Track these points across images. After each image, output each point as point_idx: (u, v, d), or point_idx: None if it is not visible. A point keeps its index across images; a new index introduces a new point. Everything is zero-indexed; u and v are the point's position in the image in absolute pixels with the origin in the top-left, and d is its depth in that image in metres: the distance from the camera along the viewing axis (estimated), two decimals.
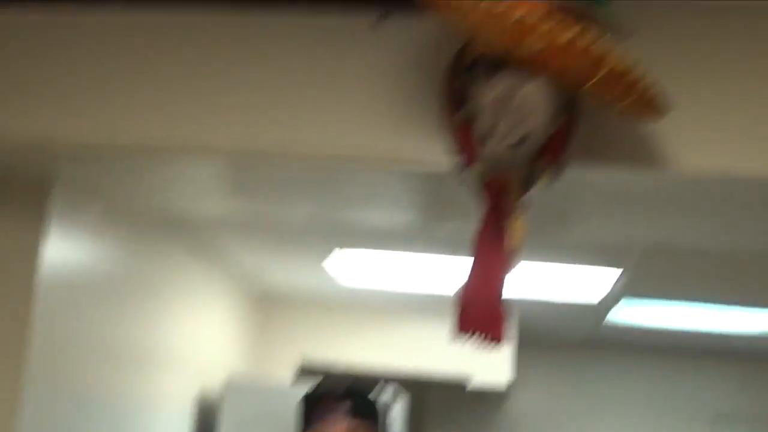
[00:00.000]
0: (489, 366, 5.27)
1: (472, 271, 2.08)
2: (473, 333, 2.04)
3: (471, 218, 2.19)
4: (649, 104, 2.01)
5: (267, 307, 5.48)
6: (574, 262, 4.06)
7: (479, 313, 2.01)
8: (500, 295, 2.03)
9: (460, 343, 2.08)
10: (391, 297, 5.15)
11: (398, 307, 5.40)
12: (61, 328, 2.99)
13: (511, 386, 5.45)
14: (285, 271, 4.90)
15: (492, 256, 2.05)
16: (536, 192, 2.14)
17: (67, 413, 3.07)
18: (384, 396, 2.22)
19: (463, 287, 2.07)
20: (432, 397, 6.35)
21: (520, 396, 6.16)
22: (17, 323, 2.79)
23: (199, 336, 4.44)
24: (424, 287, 4.77)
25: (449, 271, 4.33)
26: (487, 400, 6.16)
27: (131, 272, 3.57)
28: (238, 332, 5.06)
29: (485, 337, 2.04)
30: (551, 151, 2.11)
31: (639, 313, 5.13)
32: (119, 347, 3.48)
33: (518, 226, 2.08)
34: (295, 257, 4.50)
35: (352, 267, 4.48)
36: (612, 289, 4.43)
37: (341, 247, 4.18)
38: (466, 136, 2.12)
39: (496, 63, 1.99)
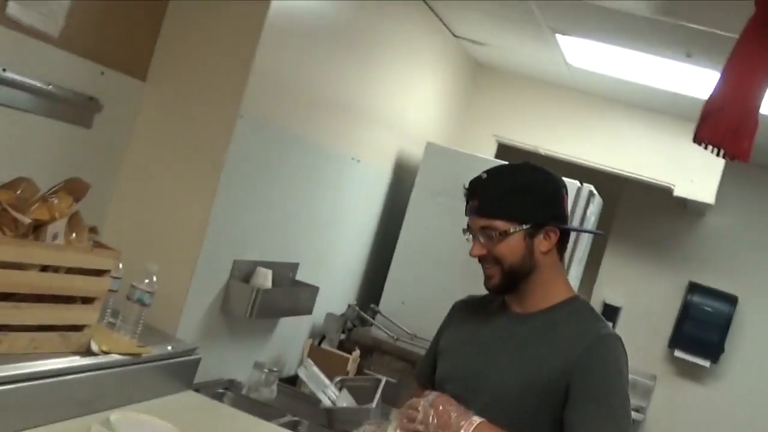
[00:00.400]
0: (695, 177, 5.06)
1: (728, 74, 1.89)
2: (715, 142, 1.89)
3: (720, 21, 1.98)
4: None
5: (478, 80, 5.39)
6: None
7: (729, 122, 1.83)
8: (756, 107, 1.85)
9: (701, 150, 1.93)
10: (611, 87, 4.92)
11: (616, 100, 5.18)
12: (280, 68, 3.06)
13: (714, 201, 5.22)
14: (501, 48, 4.76)
15: (755, 62, 1.85)
16: None
17: (275, 146, 3.17)
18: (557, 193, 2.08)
19: (714, 91, 1.89)
20: (630, 199, 6.21)
21: (719, 212, 5.91)
22: (241, 57, 2.85)
23: (411, 98, 4.44)
24: (649, 84, 4.52)
25: (679, 74, 4.09)
26: (687, 211, 5.96)
27: (354, 26, 3.55)
28: (447, 101, 5.02)
29: (728, 149, 1.88)
30: None
31: None
32: (332, 96, 3.54)
33: None
34: (515, 34, 4.33)
35: (574, 52, 4.29)
36: None
37: (564, 34, 3.99)
38: None
39: None
